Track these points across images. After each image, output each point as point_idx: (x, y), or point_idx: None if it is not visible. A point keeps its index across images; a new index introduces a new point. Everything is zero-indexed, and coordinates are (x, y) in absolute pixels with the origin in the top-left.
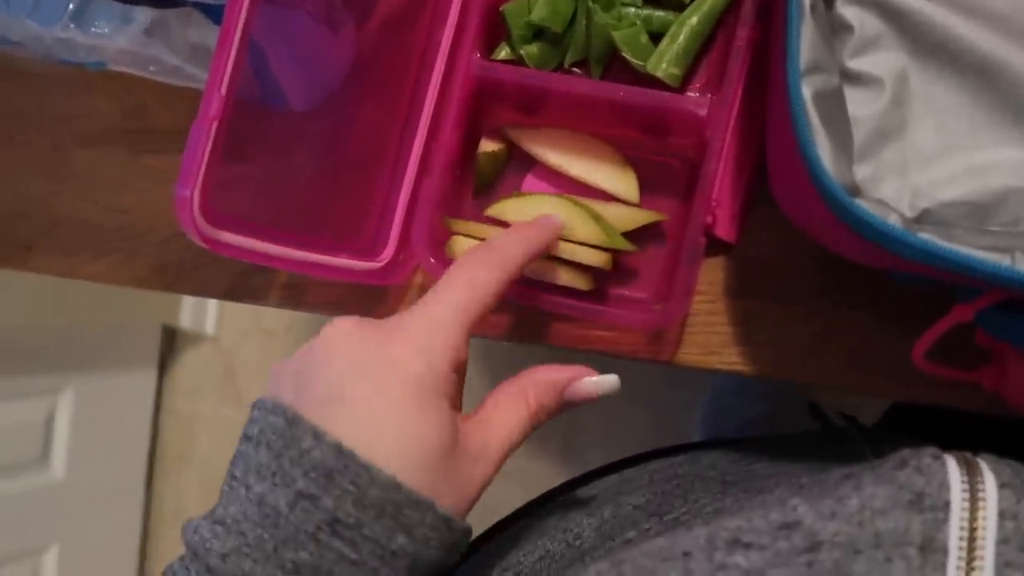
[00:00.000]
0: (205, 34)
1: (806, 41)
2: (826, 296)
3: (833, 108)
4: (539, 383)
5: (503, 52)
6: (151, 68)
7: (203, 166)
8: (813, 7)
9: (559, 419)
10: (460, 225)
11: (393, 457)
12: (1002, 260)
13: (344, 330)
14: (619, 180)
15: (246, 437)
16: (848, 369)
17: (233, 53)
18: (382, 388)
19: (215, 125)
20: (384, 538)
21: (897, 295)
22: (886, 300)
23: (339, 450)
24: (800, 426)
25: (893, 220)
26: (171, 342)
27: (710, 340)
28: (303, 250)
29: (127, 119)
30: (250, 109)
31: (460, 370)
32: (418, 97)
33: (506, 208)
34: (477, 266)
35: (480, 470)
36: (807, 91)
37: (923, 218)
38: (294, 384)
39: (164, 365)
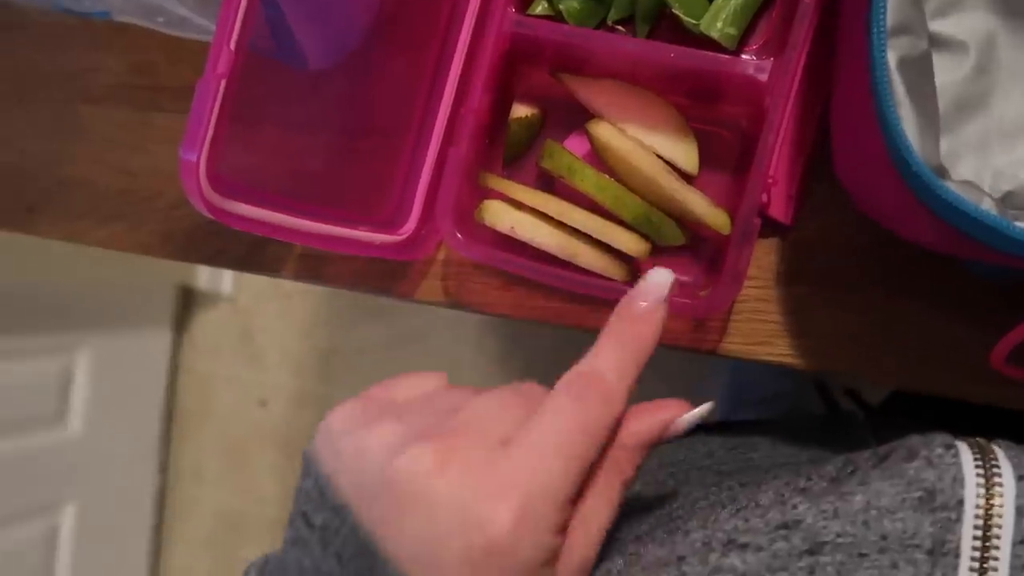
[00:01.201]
0: None
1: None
2: (887, 285)
3: (920, 77)
4: (630, 448)
5: (540, 7)
6: (159, 19)
7: (210, 128)
8: None
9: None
10: (497, 183)
11: None
12: None
13: (430, 471)
14: (679, 148)
15: (307, 524)
16: (909, 366)
17: (243, 4)
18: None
19: (223, 83)
20: None
21: (968, 287)
22: (954, 292)
23: None
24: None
25: (986, 206)
26: (188, 302)
27: (758, 330)
28: (319, 222)
29: (135, 75)
30: (264, 66)
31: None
32: (446, 56)
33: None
34: (586, 403)
35: None
36: (892, 56)
37: (1007, 201)
38: (367, 500)
39: (181, 324)
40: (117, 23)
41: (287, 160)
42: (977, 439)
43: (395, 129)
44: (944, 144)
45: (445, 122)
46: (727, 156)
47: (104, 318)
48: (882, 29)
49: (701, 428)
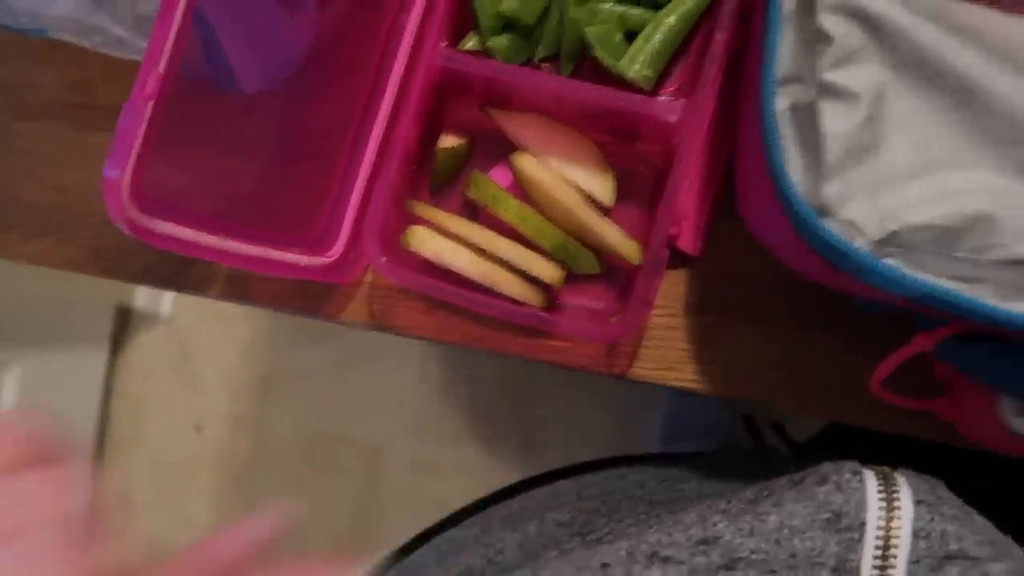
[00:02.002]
0: (154, 5)
1: (785, 49)
2: (788, 316)
3: (808, 123)
4: None
5: (471, 42)
6: (96, 38)
7: (136, 148)
8: (795, 14)
9: (518, 416)
10: (423, 210)
11: None
12: (967, 291)
13: None
14: (597, 181)
15: None
16: (804, 392)
17: (175, 28)
18: None
19: (150, 105)
20: None
21: (861, 318)
22: (849, 323)
23: None
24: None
25: (860, 244)
26: (125, 322)
27: (667, 355)
28: (247, 242)
29: (72, 93)
30: (197, 88)
31: None
32: (379, 85)
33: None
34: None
35: None
36: (782, 102)
37: (891, 240)
38: None
39: (117, 345)
40: (54, 40)
41: (218, 180)
42: (884, 467)
43: (327, 153)
44: (836, 186)
45: (376, 148)
46: (642, 190)
47: (37, 337)
48: (772, 78)
49: (636, 459)
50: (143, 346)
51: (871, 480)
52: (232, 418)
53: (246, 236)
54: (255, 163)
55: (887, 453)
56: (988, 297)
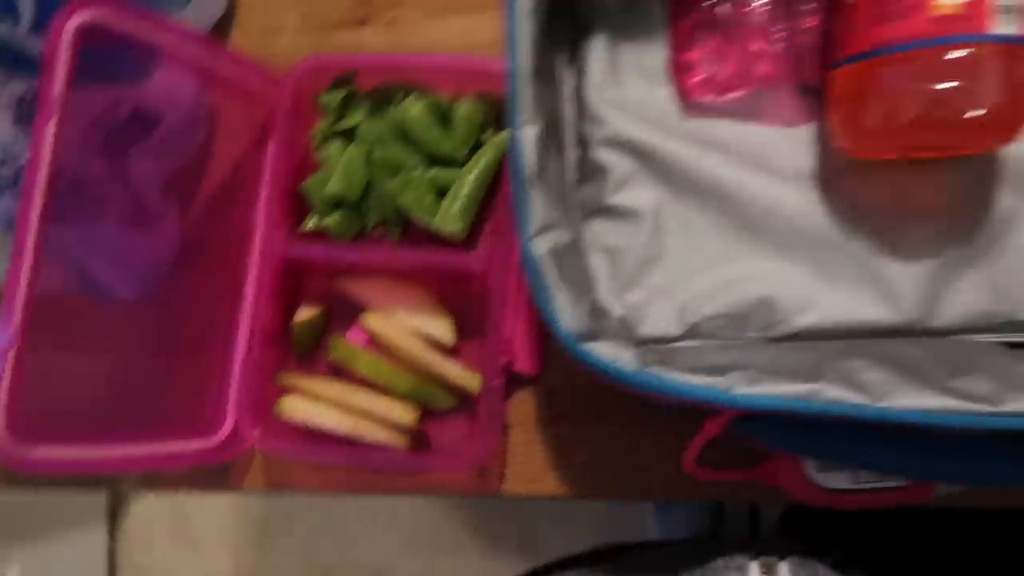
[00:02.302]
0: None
1: (537, 205)
2: (624, 416)
3: (569, 261)
4: None
5: (311, 223)
6: None
7: (5, 395)
8: (537, 176)
9: (514, 516)
10: (289, 380)
11: None
12: (721, 384)
13: None
14: (437, 325)
15: None
16: (647, 481)
17: (28, 264)
18: None
19: (14, 351)
20: None
21: (686, 411)
22: (680, 415)
23: None
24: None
25: (624, 361)
26: (119, 493)
27: (529, 469)
28: (139, 442)
29: None
30: (76, 303)
31: None
32: (241, 275)
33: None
34: None
35: None
36: (542, 247)
37: (692, 332)
38: None
39: (115, 519)
40: None
41: (105, 386)
42: (770, 559)
43: (206, 343)
44: (639, 293)
45: (246, 332)
46: (479, 326)
47: (36, 524)
48: (527, 231)
49: (592, 556)
50: (140, 515)
51: (754, 571)
52: (238, 568)
53: (138, 435)
54: (142, 361)
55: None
56: (739, 385)
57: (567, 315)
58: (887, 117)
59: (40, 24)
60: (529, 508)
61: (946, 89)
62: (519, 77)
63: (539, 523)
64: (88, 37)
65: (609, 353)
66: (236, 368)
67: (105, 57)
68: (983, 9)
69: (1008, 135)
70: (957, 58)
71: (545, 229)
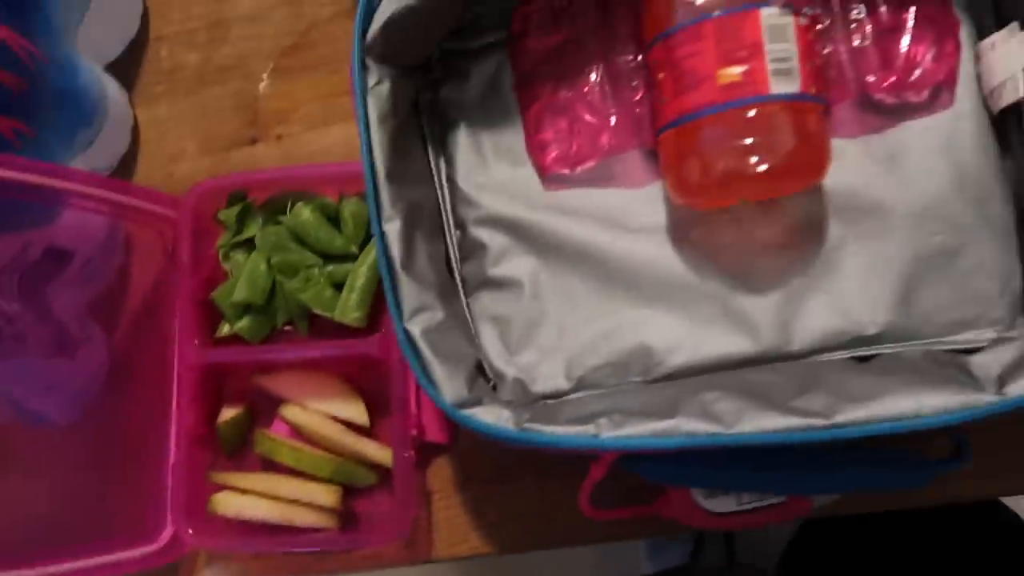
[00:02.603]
0: None
1: (408, 289)
2: (532, 473)
3: (444, 337)
4: None
5: (224, 329)
6: None
7: None
8: (401, 269)
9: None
10: (218, 477)
11: None
12: (587, 432)
13: None
14: (350, 409)
15: None
16: (559, 528)
17: None
18: None
19: None
20: None
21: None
22: (573, 464)
23: None
24: None
25: (503, 421)
26: None
27: (455, 531)
28: (83, 556)
29: None
30: (6, 433)
31: None
32: (166, 384)
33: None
34: None
35: None
36: (415, 328)
37: (580, 384)
38: None
39: None
40: None
41: (44, 506)
42: None
43: (142, 452)
44: (529, 355)
45: (175, 438)
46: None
47: None
48: (400, 314)
49: None
50: None
51: None
52: None
53: (79, 551)
54: (78, 479)
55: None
56: (606, 430)
57: (445, 387)
58: (704, 174)
59: None
60: (517, 562)
61: (745, 145)
62: (377, 179)
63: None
64: None
65: (490, 416)
66: (169, 472)
67: (8, 208)
68: (761, 75)
69: (814, 175)
70: (748, 117)
71: (417, 311)
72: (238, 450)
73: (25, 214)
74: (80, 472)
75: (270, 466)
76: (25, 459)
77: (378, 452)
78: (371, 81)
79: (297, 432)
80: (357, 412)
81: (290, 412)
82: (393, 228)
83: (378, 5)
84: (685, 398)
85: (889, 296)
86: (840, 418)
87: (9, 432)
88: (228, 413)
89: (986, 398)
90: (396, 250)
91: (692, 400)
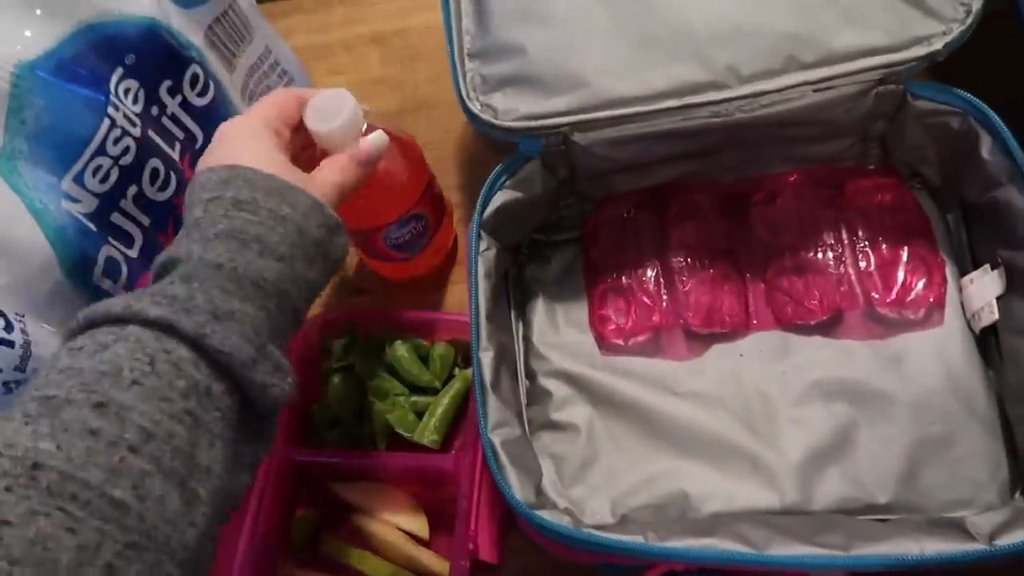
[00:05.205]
0: None
1: (493, 406)
2: None
3: (519, 450)
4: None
5: (318, 437)
6: None
7: None
8: (490, 385)
9: None
10: (286, 571)
11: (257, 163)
12: (638, 539)
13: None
14: (414, 522)
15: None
16: None
17: None
18: (238, 137)
19: None
20: (275, 205)
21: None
22: None
23: (230, 167)
24: None
25: (565, 522)
26: None
27: None
28: None
29: None
30: None
31: (288, 127)
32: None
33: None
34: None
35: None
36: (496, 438)
37: (623, 521)
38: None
39: None
40: None
41: None
42: None
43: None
44: (579, 490)
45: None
46: (450, 521)
47: None
48: (486, 425)
49: None
50: None
51: None
52: None
53: None
54: None
55: None
56: (652, 540)
57: (517, 489)
58: None
59: None
60: None
61: None
62: (479, 318)
63: None
64: None
65: (553, 518)
66: (238, 559)
67: None
68: None
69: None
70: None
71: (500, 425)
72: (305, 547)
73: None
74: None
75: (335, 567)
76: None
77: (434, 561)
78: (482, 247)
79: (363, 538)
80: (419, 526)
81: (361, 520)
82: (487, 356)
83: (495, 194)
84: (721, 526)
85: (896, 472)
86: (855, 552)
87: None
88: (302, 512)
89: (978, 547)
90: (487, 374)
91: (728, 528)
